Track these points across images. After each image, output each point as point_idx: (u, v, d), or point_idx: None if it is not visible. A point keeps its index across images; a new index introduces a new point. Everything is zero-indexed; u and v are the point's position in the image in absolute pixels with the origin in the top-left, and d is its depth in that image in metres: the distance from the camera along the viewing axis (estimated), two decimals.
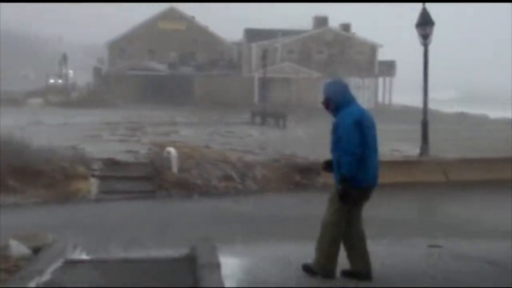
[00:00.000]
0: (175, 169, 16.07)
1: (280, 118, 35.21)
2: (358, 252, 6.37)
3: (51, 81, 75.55)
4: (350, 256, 6.40)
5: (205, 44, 62.64)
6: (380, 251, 7.45)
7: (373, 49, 58.90)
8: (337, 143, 6.22)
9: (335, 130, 6.26)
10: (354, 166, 6.01)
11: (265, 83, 46.49)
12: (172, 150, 16.62)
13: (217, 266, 6.41)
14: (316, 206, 13.73)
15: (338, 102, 6.33)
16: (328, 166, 6.53)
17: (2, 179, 14.54)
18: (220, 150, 19.55)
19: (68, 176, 15.34)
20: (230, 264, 6.71)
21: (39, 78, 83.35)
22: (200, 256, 6.83)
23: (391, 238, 9.07)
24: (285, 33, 58.39)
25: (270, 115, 37.25)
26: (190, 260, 6.94)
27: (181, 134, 26.05)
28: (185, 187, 15.59)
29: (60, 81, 70.83)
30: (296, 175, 16.59)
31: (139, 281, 6.39)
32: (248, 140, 25.15)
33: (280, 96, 49.93)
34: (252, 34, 60.86)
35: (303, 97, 51.15)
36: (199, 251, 7.05)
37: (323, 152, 18.42)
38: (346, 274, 6.39)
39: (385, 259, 7.23)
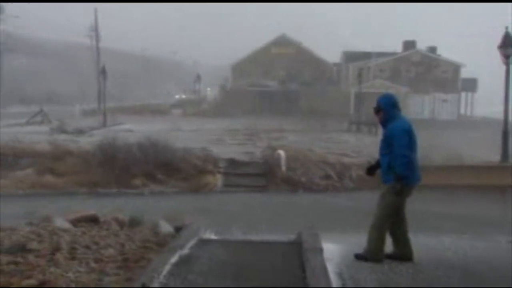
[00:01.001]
0: (283, 168, 16.25)
1: (373, 126, 34.64)
2: (403, 238, 6.40)
3: (183, 96, 78.40)
4: (395, 241, 6.43)
5: (309, 65, 62.63)
6: (463, 244, 7.33)
7: (456, 68, 56.52)
8: (387, 149, 6.31)
9: (387, 138, 6.37)
10: (406, 167, 6.12)
11: (360, 97, 45.93)
12: (281, 152, 16.83)
13: (320, 250, 6.40)
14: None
15: (388, 113, 6.44)
16: (370, 170, 6.67)
17: (152, 173, 15.37)
18: (321, 153, 19.51)
19: (200, 172, 15.90)
20: (330, 249, 6.67)
21: (179, 93, 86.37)
22: (305, 241, 6.84)
23: (472, 233, 8.80)
24: (378, 55, 57.12)
25: (364, 123, 36.75)
26: (297, 244, 6.96)
27: (288, 139, 26.22)
28: (291, 183, 15.75)
29: (194, 95, 73.47)
30: None
31: (255, 258, 6.46)
32: (345, 145, 24.91)
33: (372, 108, 49.03)
34: (350, 56, 60.58)
35: None
36: (304, 236, 7.05)
37: None
38: (390, 257, 6.38)
39: (468, 251, 7.08)
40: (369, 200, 14.06)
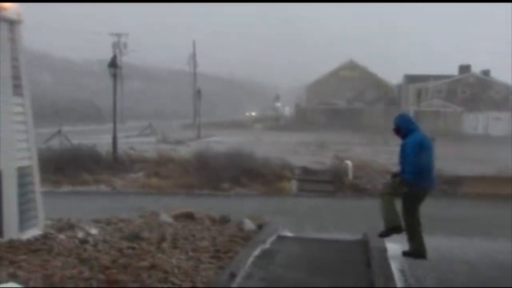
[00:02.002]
0: (350, 176, 15.93)
1: (431, 140, 33.88)
2: (418, 237, 6.14)
3: (253, 113, 79.19)
4: (410, 240, 6.18)
5: (373, 86, 61.43)
6: None
7: (508, 89, 53.77)
8: (404, 159, 6.22)
9: (403, 149, 6.26)
10: (414, 175, 5.99)
11: (419, 115, 44.73)
12: (348, 162, 16.53)
13: (384, 249, 6.30)
14: (457, 210, 13.04)
15: (406, 129, 6.35)
16: (395, 177, 6.43)
17: (238, 177, 15.53)
18: (383, 163, 19.02)
19: (277, 178, 15.80)
20: (393, 249, 6.52)
21: (251, 111, 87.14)
22: (371, 240, 6.73)
23: None
24: (436, 77, 55.20)
25: None
26: (363, 243, 6.88)
27: (354, 151, 25.71)
28: (357, 190, 15.41)
29: (273, 112, 74.07)
30: (442, 185, 15.70)
31: (325, 254, 6.42)
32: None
33: (430, 125, 47.78)
34: (410, 78, 58.54)
35: (448, 125, 48.36)
36: (370, 236, 6.96)
37: (463, 168, 17.41)
38: (406, 254, 6.18)
39: None
40: (426, 206, 13.62)
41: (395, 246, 6.67)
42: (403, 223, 6.10)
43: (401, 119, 6.59)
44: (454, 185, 15.34)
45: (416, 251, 6.11)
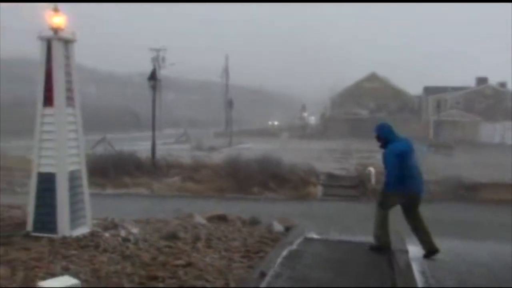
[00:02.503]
0: (373, 182, 15.78)
1: (449, 149, 33.48)
2: (426, 237, 6.29)
3: (275, 123, 78.85)
4: (420, 241, 6.35)
5: (394, 97, 60.77)
6: None
7: None
8: (385, 168, 6.32)
9: (384, 158, 6.29)
10: (392, 186, 6.17)
11: (438, 124, 45.06)
12: (371, 168, 16.40)
13: (406, 251, 6.24)
14: (475, 213, 12.80)
15: (386, 138, 6.31)
16: None
17: (266, 182, 15.57)
18: None
19: (304, 183, 15.76)
20: (414, 251, 6.45)
21: (287, 119, 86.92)
22: (392, 243, 6.62)
23: None
24: (454, 89, 54.37)
25: (442, 146, 35.29)
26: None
27: (377, 158, 25.37)
28: None
29: (300, 122, 73.90)
30: (460, 190, 15.41)
31: (350, 255, 6.35)
32: (424, 163, 23.77)
33: (449, 134, 47.01)
34: (429, 90, 57.98)
35: (466, 134, 47.45)
36: (392, 239, 6.81)
37: (480, 174, 17.08)
38: (426, 256, 6.27)
39: None
40: (443, 210, 13.52)
41: (416, 248, 6.60)
42: (391, 243, 6.35)
43: (381, 129, 6.50)
44: (472, 191, 15.16)
45: (382, 244, 6.33)
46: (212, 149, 29.14)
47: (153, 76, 20.79)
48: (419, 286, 5.17)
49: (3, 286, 4.43)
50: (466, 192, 15.22)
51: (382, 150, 6.41)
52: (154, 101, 20.24)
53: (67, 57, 6.50)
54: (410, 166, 6.26)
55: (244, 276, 5.27)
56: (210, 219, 8.72)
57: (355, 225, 10.18)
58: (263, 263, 5.63)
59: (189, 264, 5.48)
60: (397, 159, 6.14)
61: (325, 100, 68.06)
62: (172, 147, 28.67)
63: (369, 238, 7.55)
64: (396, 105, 60.00)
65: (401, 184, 6.14)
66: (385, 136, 6.35)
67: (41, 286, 3.56)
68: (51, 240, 6.08)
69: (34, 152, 6.65)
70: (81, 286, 4.30)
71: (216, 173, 16.75)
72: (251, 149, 27.76)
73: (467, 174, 16.93)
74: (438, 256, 6.33)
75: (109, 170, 16.28)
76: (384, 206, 6.42)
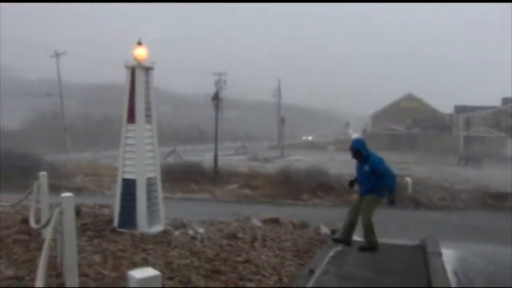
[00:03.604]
0: (410, 190, 15.29)
1: (478, 161, 32.12)
2: (374, 233, 6.21)
3: (309, 138, 77.82)
4: (366, 236, 6.21)
5: (428, 115, 59.56)
6: None
7: None
8: (372, 175, 6.10)
9: (373, 168, 6.09)
10: (395, 181, 6.13)
11: (467, 140, 44.38)
12: (408, 178, 15.87)
13: (440, 254, 6.03)
14: (502, 220, 12.05)
15: (365, 152, 6.20)
16: (350, 184, 6.56)
17: (314, 190, 15.41)
18: (438, 180, 18.00)
19: (347, 191, 15.51)
20: (447, 254, 6.24)
21: (333, 134, 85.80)
22: (428, 246, 6.47)
23: None
24: (482, 108, 52.97)
25: (471, 159, 33.97)
26: (421, 248, 6.57)
27: (412, 169, 24.55)
28: (416, 203, 14.70)
29: (344, 136, 72.90)
30: (489, 199, 14.72)
31: (389, 256, 6.18)
32: (455, 175, 22.65)
33: (477, 148, 45.12)
34: (459, 108, 57.27)
35: (493, 149, 45.41)
36: (427, 243, 6.68)
37: (506, 185, 16.22)
38: (362, 249, 6.19)
39: None
40: (475, 217, 12.90)
41: (449, 251, 6.36)
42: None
43: (360, 143, 6.42)
44: (499, 200, 14.56)
45: (372, 245, 6.14)
46: (266, 160, 29.26)
47: (216, 97, 21.32)
48: (453, 285, 5.01)
49: (98, 271, 4.67)
50: (494, 201, 14.63)
51: (357, 162, 6.36)
52: (216, 118, 20.70)
53: (147, 81, 6.80)
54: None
55: (295, 272, 5.26)
56: (265, 221, 8.76)
57: (393, 229, 9.94)
58: (312, 261, 5.59)
59: (247, 261, 5.51)
60: (386, 165, 6.17)
61: (366, 117, 67.01)
62: (232, 158, 29.07)
63: (405, 241, 7.34)
64: (430, 122, 58.58)
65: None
66: (364, 149, 6.29)
67: (130, 274, 3.73)
68: (132, 235, 6.32)
69: (119, 161, 6.96)
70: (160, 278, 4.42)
71: (269, 181, 16.78)
72: (301, 160, 27.62)
73: (494, 185, 16.21)
74: (470, 258, 6.13)
75: (178, 177, 16.72)
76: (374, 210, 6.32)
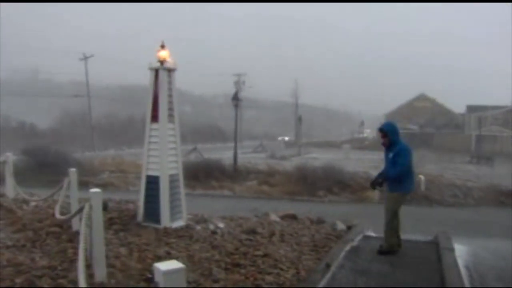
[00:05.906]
0: (423, 188, 15.07)
1: (489, 160, 31.45)
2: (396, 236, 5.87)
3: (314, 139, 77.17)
4: (388, 238, 5.84)
5: (441, 114, 58.58)
6: None
7: None
8: (394, 164, 5.58)
9: (395, 155, 5.56)
10: (401, 174, 5.56)
11: (479, 138, 43.81)
12: (421, 176, 15.64)
13: (452, 249, 5.95)
14: None
15: (394, 137, 5.63)
16: (375, 184, 5.97)
17: (330, 187, 15.33)
18: (450, 178, 17.70)
19: (362, 188, 15.35)
20: (459, 249, 6.11)
21: (348, 133, 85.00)
22: (440, 241, 6.39)
23: None
24: (494, 108, 51.76)
25: (482, 158, 33.25)
26: (434, 244, 6.48)
27: (425, 167, 24.13)
28: (428, 200, 14.56)
29: (359, 135, 72.31)
30: (500, 197, 14.60)
31: (402, 251, 6.05)
32: (467, 173, 22.17)
33: (489, 147, 44.18)
34: (471, 108, 56.13)
35: (504, 148, 44.30)
36: (440, 238, 6.59)
37: None
38: (382, 252, 5.79)
39: None
40: (486, 214, 12.63)
41: (461, 247, 6.26)
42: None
43: (391, 126, 5.78)
44: (511, 197, 14.29)
45: (392, 247, 5.81)
46: (283, 158, 29.18)
47: (235, 97, 21.39)
48: (464, 279, 4.95)
49: (124, 262, 4.76)
50: (506, 198, 14.46)
51: (385, 150, 5.76)
52: (236, 117, 20.78)
53: (170, 82, 6.88)
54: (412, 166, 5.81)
55: (312, 266, 5.26)
56: (283, 217, 8.77)
57: (407, 225, 9.68)
58: (329, 256, 5.57)
59: (266, 255, 5.53)
60: (411, 158, 5.69)
61: (380, 116, 66.32)
62: (250, 156, 29.07)
63: (419, 237, 7.25)
64: (443, 121, 57.74)
65: (413, 183, 5.83)
66: (393, 134, 5.66)
67: (156, 267, 3.81)
68: (156, 230, 6.41)
69: (143, 158, 7.06)
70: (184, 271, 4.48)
71: (287, 178, 16.77)
72: (317, 158, 27.45)
73: (506, 183, 15.88)
74: (481, 253, 6.04)
75: (199, 174, 16.85)
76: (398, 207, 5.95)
